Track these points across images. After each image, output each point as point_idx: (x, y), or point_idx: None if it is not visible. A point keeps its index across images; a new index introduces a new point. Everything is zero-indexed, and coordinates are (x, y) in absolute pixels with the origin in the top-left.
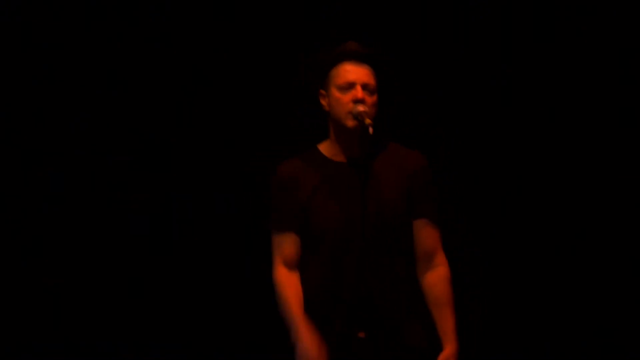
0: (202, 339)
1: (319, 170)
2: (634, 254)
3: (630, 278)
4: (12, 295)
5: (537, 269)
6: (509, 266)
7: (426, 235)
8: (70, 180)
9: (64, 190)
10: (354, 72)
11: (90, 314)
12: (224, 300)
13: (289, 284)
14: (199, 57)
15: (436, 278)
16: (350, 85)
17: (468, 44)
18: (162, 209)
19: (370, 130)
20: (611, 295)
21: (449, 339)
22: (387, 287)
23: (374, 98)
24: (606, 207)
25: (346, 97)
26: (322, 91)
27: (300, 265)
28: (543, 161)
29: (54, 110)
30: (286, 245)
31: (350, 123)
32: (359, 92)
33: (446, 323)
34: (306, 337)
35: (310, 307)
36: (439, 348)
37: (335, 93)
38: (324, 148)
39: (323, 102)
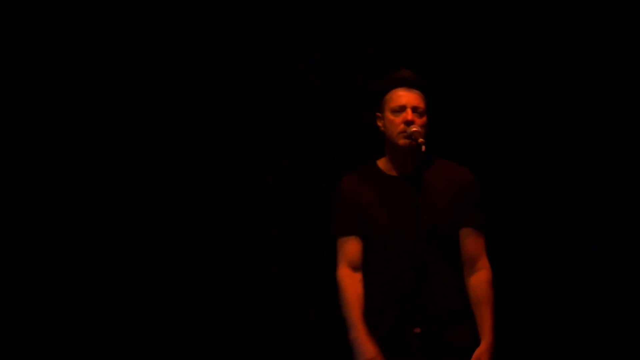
0: (202, 338)
1: (375, 183)
2: (634, 254)
3: (631, 278)
4: (12, 295)
5: (536, 269)
6: (509, 266)
7: (471, 242)
8: (70, 180)
9: (64, 190)
10: (405, 97)
11: (90, 314)
12: (224, 300)
13: (351, 286)
14: (199, 57)
15: (478, 280)
16: (402, 108)
17: (468, 44)
18: (162, 209)
19: (423, 148)
20: (611, 296)
21: (486, 335)
22: (437, 289)
23: (424, 119)
24: (606, 207)
25: (398, 119)
26: (378, 114)
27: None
28: (543, 161)
29: (54, 110)
30: (350, 248)
31: (402, 142)
32: (409, 114)
33: (485, 321)
34: (364, 339)
35: (371, 305)
36: (478, 345)
37: (389, 115)
38: (381, 163)
39: (379, 123)
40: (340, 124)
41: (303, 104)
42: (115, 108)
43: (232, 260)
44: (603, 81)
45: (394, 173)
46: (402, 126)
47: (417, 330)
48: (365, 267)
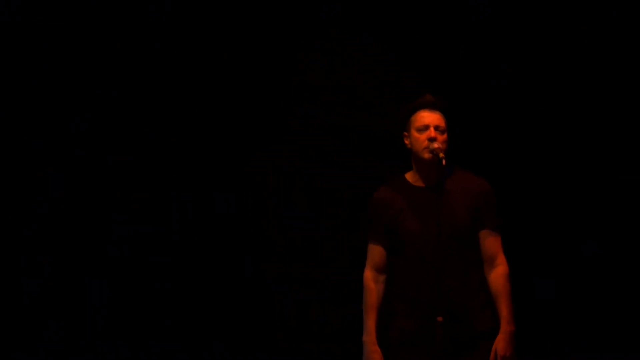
0: (202, 338)
1: (404, 194)
2: (634, 254)
3: (631, 278)
4: (12, 295)
5: (536, 269)
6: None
7: (489, 242)
8: (70, 180)
9: (64, 190)
10: (428, 117)
11: (90, 314)
12: (224, 300)
13: (374, 290)
14: (199, 57)
15: (496, 275)
16: (426, 127)
17: (468, 44)
18: (162, 209)
19: (444, 162)
20: (611, 295)
21: (505, 321)
22: (459, 283)
23: (445, 136)
24: (606, 207)
25: (423, 137)
26: (405, 133)
27: (392, 266)
28: (543, 161)
29: (54, 110)
30: (376, 253)
31: (427, 156)
32: (431, 132)
33: (504, 310)
34: (372, 345)
35: (400, 298)
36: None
37: (415, 134)
38: (409, 176)
39: (406, 141)
40: (340, 124)
41: (303, 104)
42: (115, 108)
43: (232, 260)
44: (603, 81)
45: (420, 184)
46: (426, 142)
47: (440, 318)
48: (397, 266)
